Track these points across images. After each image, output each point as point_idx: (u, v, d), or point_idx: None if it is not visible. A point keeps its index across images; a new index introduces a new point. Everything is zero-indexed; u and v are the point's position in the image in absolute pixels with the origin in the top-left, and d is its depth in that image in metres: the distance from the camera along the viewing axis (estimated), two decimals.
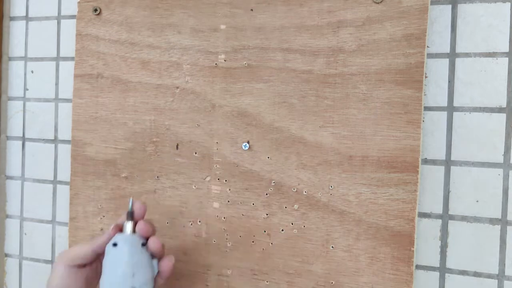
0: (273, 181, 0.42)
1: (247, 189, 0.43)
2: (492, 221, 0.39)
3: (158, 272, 0.36)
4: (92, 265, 0.38)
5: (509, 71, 0.39)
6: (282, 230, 0.42)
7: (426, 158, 0.41)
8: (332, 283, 0.40)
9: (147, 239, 0.37)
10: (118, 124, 0.47)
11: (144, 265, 0.35)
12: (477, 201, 0.40)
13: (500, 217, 0.39)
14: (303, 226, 0.41)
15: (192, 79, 0.44)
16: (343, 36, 0.40)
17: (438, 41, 0.40)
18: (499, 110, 0.39)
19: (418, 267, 0.41)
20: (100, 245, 0.37)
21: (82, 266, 0.37)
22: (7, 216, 0.55)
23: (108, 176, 0.47)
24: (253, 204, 0.42)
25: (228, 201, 0.43)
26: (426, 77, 0.40)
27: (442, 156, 0.40)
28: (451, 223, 0.40)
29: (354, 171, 0.40)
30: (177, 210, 0.45)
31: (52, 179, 0.53)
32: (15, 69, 0.54)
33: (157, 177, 0.45)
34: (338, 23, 0.40)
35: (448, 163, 0.40)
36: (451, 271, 0.40)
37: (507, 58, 0.39)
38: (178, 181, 0.45)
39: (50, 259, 0.53)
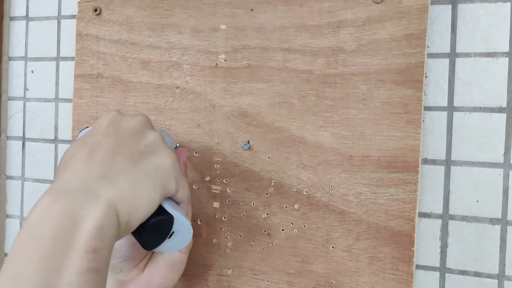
0: (273, 181, 0.42)
1: (247, 189, 0.43)
2: (492, 221, 0.39)
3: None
4: None
5: (509, 71, 0.39)
6: (282, 230, 0.42)
7: (426, 158, 0.41)
8: (332, 283, 0.40)
9: None
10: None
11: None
12: (477, 201, 0.40)
13: (500, 217, 0.39)
14: (303, 226, 0.41)
15: (192, 79, 0.44)
16: (343, 36, 0.40)
17: (438, 41, 0.40)
18: (499, 110, 0.39)
19: (418, 267, 0.41)
20: None
21: None
22: (7, 216, 0.55)
23: None
24: (253, 204, 0.42)
25: (228, 201, 0.43)
26: (426, 77, 0.40)
27: (442, 156, 0.40)
28: (451, 223, 0.40)
29: (354, 171, 0.40)
30: None
31: (52, 179, 0.53)
32: (15, 69, 0.54)
33: None
34: (338, 23, 0.40)
35: (448, 163, 0.40)
36: (451, 271, 0.40)
37: (507, 58, 0.39)
38: None
39: None
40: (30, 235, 0.25)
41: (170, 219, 0.32)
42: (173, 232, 0.33)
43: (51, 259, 0.24)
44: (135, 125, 0.33)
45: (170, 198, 0.34)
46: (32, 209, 0.26)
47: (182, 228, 0.33)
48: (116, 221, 0.27)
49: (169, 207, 0.32)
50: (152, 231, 0.31)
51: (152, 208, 0.30)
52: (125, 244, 0.36)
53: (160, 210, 0.32)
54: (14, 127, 0.55)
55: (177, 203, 0.34)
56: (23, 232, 0.25)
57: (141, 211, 0.29)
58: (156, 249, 0.33)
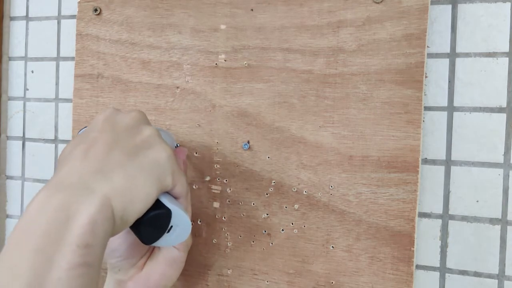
0: (273, 181, 0.42)
1: (247, 189, 0.43)
2: (492, 221, 0.39)
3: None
4: None
5: (509, 71, 0.39)
6: (282, 230, 0.42)
7: (426, 158, 0.41)
8: (332, 283, 0.40)
9: None
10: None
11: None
12: (477, 201, 0.40)
13: (500, 217, 0.39)
14: (303, 226, 0.41)
15: (192, 79, 0.44)
16: (343, 36, 0.40)
17: (438, 41, 0.40)
18: (499, 110, 0.39)
19: (418, 267, 0.41)
20: None
21: None
22: (7, 216, 0.55)
23: None
24: (253, 204, 0.42)
25: (228, 201, 0.43)
26: (426, 77, 0.40)
27: (442, 156, 0.40)
28: (451, 223, 0.40)
29: (354, 171, 0.40)
30: None
31: None
32: (15, 69, 0.54)
33: None
34: (338, 23, 0.40)
35: (448, 163, 0.40)
36: (451, 271, 0.40)
37: (507, 58, 0.39)
38: None
39: None
40: (25, 228, 0.25)
41: (167, 213, 0.32)
42: (171, 226, 0.33)
43: (43, 253, 0.24)
44: (130, 121, 0.33)
45: (168, 193, 0.34)
46: (29, 203, 0.27)
47: (181, 222, 0.33)
48: (110, 216, 0.27)
49: (166, 201, 0.32)
50: (150, 225, 0.31)
51: (149, 202, 0.30)
52: (123, 243, 0.36)
53: (158, 204, 0.32)
54: (14, 127, 0.55)
55: (175, 198, 0.34)
56: (19, 226, 0.26)
57: (137, 206, 0.29)
58: (155, 244, 0.33)
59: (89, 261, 0.25)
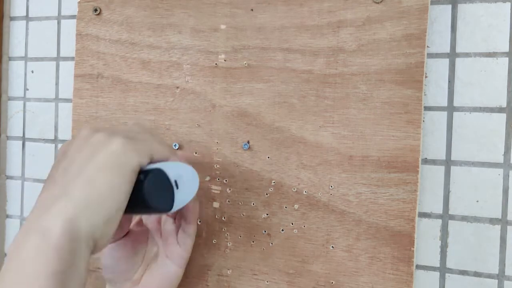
0: (273, 181, 0.42)
1: (247, 189, 0.43)
2: (492, 221, 0.39)
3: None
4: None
5: (509, 71, 0.39)
6: (282, 230, 0.42)
7: (426, 158, 0.41)
8: (332, 283, 0.40)
9: None
10: (119, 124, 0.47)
11: None
12: (477, 201, 0.40)
13: (500, 217, 0.39)
14: (303, 226, 0.41)
15: (192, 79, 0.44)
16: (343, 36, 0.40)
17: (438, 41, 0.40)
18: (499, 110, 0.39)
19: (418, 267, 0.41)
20: None
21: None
22: (7, 216, 0.55)
23: None
24: (253, 204, 0.42)
25: (228, 201, 0.43)
26: (426, 77, 0.40)
27: (442, 156, 0.40)
28: (451, 223, 0.40)
29: (354, 171, 0.40)
30: None
31: None
32: (15, 69, 0.54)
33: None
34: (338, 23, 0.40)
35: (448, 163, 0.40)
36: (451, 271, 0.40)
37: (507, 58, 0.39)
38: None
39: None
40: (9, 268, 0.27)
41: (158, 172, 0.31)
42: (175, 181, 0.32)
43: None
44: (78, 139, 0.32)
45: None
46: (11, 243, 0.29)
47: (182, 172, 0.32)
48: (74, 237, 0.27)
49: (151, 165, 0.31)
50: (154, 193, 0.30)
51: (121, 193, 0.29)
52: (110, 259, 0.38)
53: (145, 174, 0.30)
54: (14, 127, 0.55)
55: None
56: (5, 266, 0.28)
57: (109, 203, 0.28)
58: (177, 206, 0.32)
59: (69, 285, 0.27)
